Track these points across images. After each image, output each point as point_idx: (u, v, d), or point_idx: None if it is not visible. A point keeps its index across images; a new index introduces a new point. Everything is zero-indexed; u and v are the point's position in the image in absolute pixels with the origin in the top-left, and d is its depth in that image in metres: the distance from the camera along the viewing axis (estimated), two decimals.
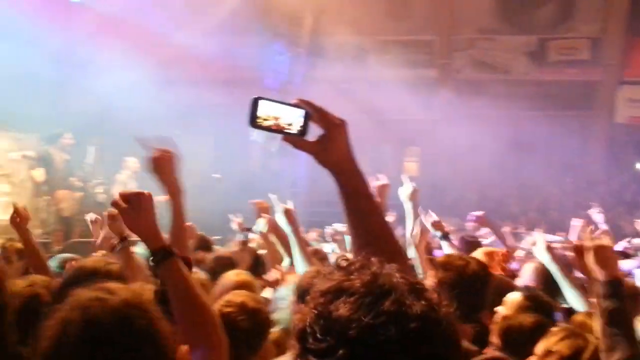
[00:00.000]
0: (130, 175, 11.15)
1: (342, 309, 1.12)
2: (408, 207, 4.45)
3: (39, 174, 10.56)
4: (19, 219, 3.84)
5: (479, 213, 5.75)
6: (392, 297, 1.13)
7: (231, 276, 3.65)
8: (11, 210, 3.92)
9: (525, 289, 3.19)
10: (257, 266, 4.86)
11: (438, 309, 1.15)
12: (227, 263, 4.49)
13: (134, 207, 2.05)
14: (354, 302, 1.13)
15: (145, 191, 2.12)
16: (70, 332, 1.56)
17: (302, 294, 2.87)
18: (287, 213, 3.94)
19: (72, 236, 10.18)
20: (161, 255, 2.00)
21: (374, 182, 3.85)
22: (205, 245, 5.75)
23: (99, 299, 1.62)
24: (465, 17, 16.29)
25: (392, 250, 1.60)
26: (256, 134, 1.59)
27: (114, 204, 2.08)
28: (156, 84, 12.55)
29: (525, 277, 4.02)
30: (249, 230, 5.04)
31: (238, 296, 2.86)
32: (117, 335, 1.58)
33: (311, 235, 9.61)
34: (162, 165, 2.52)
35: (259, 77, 13.97)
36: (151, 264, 2.03)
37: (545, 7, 16.01)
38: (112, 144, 11.74)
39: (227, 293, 3.12)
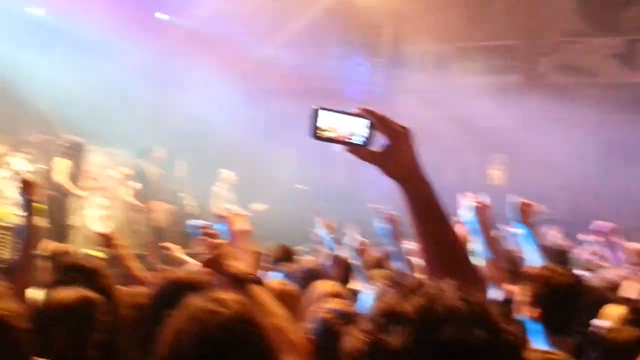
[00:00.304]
0: (225, 187, 11.44)
1: (394, 339, 1.03)
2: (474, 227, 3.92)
3: (134, 187, 11.01)
4: (107, 238, 4.00)
5: (607, 224, 5.24)
6: (448, 327, 1.01)
7: (322, 286, 3.66)
8: (108, 223, 4.10)
9: (626, 301, 3.09)
10: (347, 276, 4.89)
11: (501, 337, 1.03)
12: (315, 273, 4.52)
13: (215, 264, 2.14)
14: (406, 332, 1.03)
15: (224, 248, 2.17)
16: (184, 343, 1.65)
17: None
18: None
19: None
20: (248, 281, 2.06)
21: (464, 200, 3.71)
22: (288, 256, 5.83)
23: (213, 312, 1.70)
24: (548, 20, 15.85)
25: (464, 266, 1.52)
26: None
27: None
28: (241, 97, 12.86)
29: (628, 291, 3.87)
30: (338, 241, 5.08)
31: (339, 304, 2.89)
32: (229, 348, 1.66)
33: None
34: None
35: (339, 88, 14.07)
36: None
37: (632, 7, 15.39)
38: (202, 157, 12.11)
39: (317, 302, 3.18)
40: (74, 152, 9.11)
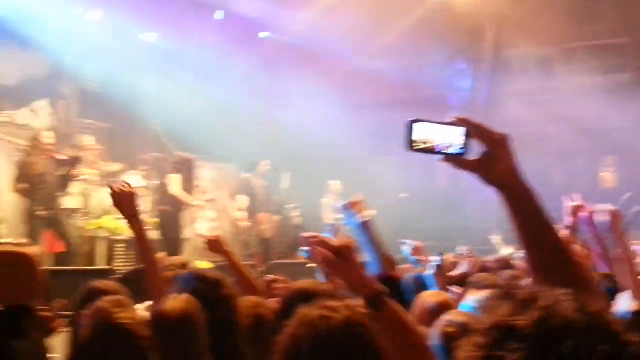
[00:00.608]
0: (334, 199, 11.60)
1: (510, 355, 0.94)
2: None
3: (241, 199, 11.37)
4: (216, 243, 3.95)
5: None
6: (568, 342, 0.93)
7: (430, 297, 3.53)
8: (217, 234, 4.16)
9: None
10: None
11: (627, 351, 0.94)
12: (420, 284, 4.49)
13: (342, 258, 2.01)
14: (523, 350, 0.94)
15: (348, 240, 2.12)
16: (300, 348, 1.72)
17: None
18: None
19: (272, 258, 10.80)
20: (377, 300, 1.96)
21: (568, 203, 3.61)
22: (390, 265, 5.82)
23: (325, 317, 1.76)
24: None
25: (572, 273, 1.48)
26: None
27: (326, 263, 2.03)
28: (343, 109, 13.00)
29: None
30: (441, 254, 5.03)
31: (459, 316, 2.80)
32: (343, 351, 1.72)
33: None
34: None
35: (442, 96, 13.94)
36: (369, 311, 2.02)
37: None
38: (307, 169, 12.33)
39: (427, 314, 3.13)
40: (185, 168, 9.52)
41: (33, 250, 2.64)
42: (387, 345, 1.87)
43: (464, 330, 2.62)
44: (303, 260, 7.27)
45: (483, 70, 13.72)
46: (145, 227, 3.40)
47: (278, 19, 13.50)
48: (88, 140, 10.31)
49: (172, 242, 8.83)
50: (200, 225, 11.49)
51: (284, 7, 13.25)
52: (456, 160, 1.55)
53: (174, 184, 9.17)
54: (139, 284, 3.34)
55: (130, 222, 3.31)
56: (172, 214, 9.23)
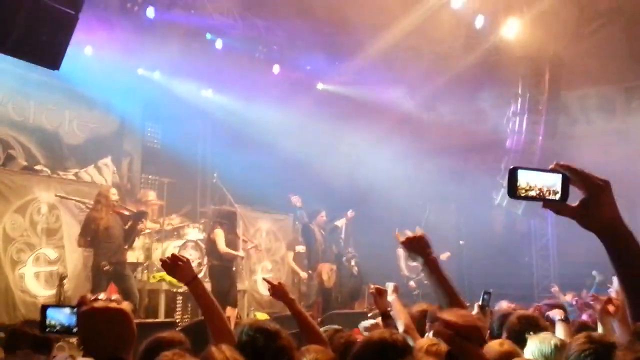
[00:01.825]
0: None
1: None
2: None
3: (299, 250, 11.42)
4: (279, 290, 3.98)
5: None
6: None
7: (495, 346, 3.34)
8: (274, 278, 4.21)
9: None
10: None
11: None
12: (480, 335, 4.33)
13: (467, 339, 2.01)
14: None
15: (475, 319, 2.12)
16: None
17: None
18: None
19: (331, 307, 10.75)
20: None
21: None
22: (460, 304, 5.71)
23: None
24: None
25: None
26: (500, 198, 1.59)
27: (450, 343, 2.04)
28: (401, 156, 13.03)
29: None
30: (489, 294, 4.93)
31: None
32: None
33: (567, 298, 9.17)
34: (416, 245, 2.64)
35: (499, 140, 13.82)
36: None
37: None
38: (365, 217, 12.33)
39: None
40: (227, 221, 9.62)
41: (125, 306, 2.81)
42: None
43: None
44: (362, 310, 7.22)
45: (541, 112, 13.53)
46: (204, 286, 3.50)
47: (334, 71, 13.74)
48: (150, 195, 10.59)
49: (224, 294, 8.89)
50: (258, 277, 11.60)
51: (338, 57, 13.47)
52: (557, 206, 1.58)
53: (219, 238, 9.28)
54: (201, 335, 3.40)
55: (188, 286, 3.46)
56: (221, 268, 9.32)
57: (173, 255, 3.55)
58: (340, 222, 12.06)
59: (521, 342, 3.55)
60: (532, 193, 1.58)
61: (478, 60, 13.19)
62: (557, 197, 1.57)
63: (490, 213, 12.88)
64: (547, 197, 1.58)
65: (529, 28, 12.07)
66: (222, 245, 9.22)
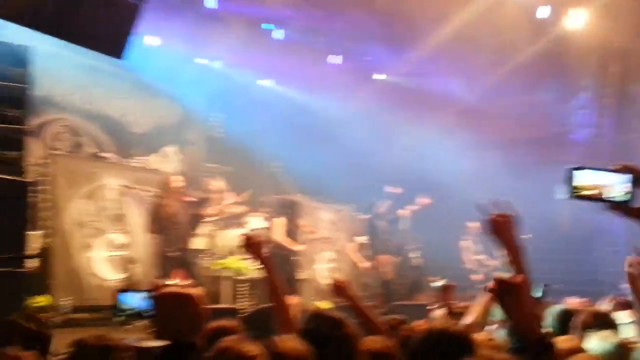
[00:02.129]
0: (473, 240, 11.45)
1: None
2: None
3: (360, 241, 11.42)
4: (342, 288, 3.87)
5: None
6: None
7: (564, 342, 3.18)
8: (337, 276, 4.17)
9: None
10: None
11: None
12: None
13: (510, 293, 1.93)
14: None
15: (521, 278, 2.02)
16: None
17: None
18: None
19: (393, 299, 10.74)
20: (538, 348, 1.89)
21: None
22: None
23: None
24: None
25: None
26: (561, 193, 1.52)
27: (490, 290, 1.97)
28: (462, 148, 12.88)
29: None
30: (548, 285, 4.80)
31: None
32: None
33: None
34: (501, 228, 2.43)
35: (564, 133, 13.49)
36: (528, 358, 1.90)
37: None
38: (425, 209, 12.24)
39: None
40: (288, 210, 9.66)
41: (196, 291, 2.88)
42: None
43: None
44: (423, 302, 7.17)
45: (607, 105, 13.13)
46: (275, 264, 3.47)
47: (391, 61, 13.67)
48: (215, 183, 10.79)
49: (287, 283, 8.98)
50: (319, 266, 11.66)
51: (398, 48, 13.39)
52: (621, 207, 1.53)
53: (277, 227, 9.33)
54: (263, 323, 3.43)
55: (262, 263, 3.39)
56: (281, 256, 9.39)
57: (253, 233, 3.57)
58: (403, 212, 11.99)
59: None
60: (591, 193, 1.53)
61: (541, 51, 12.89)
62: (623, 198, 1.51)
63: (555, 207, 12.59)
64: (611, 199, 1.52)
65: (595, 19, 11.74)
66: (278, 234, 9.29)
